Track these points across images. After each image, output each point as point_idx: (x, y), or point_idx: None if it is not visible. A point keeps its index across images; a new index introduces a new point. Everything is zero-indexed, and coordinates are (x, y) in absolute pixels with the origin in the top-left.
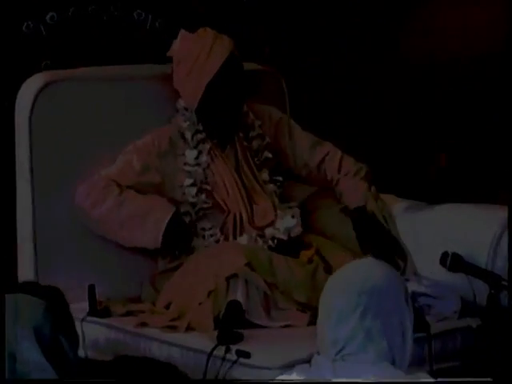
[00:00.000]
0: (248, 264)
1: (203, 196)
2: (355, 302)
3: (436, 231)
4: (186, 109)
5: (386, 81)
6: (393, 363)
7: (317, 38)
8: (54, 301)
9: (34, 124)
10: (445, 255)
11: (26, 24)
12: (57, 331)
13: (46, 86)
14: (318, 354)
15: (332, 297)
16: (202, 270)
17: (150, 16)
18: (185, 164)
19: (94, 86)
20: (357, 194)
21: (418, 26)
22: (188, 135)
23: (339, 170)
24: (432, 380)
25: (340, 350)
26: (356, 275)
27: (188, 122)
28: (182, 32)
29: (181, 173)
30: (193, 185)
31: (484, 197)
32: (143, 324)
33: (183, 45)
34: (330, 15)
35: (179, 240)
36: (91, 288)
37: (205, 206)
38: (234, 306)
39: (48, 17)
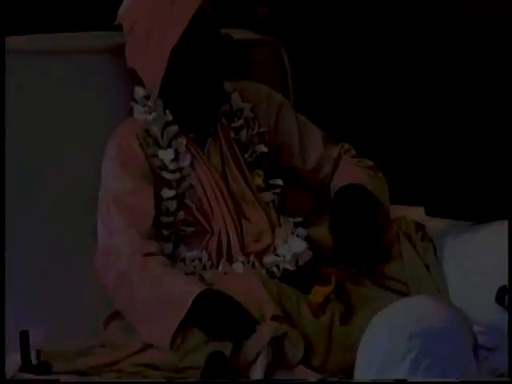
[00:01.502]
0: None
1: (182, 213)
2: (405, 347)
3: (488, 259)
4: (147, 97)
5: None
6: None
7: None
8: None
9: None
10: (502, 291)
11: None
12: None
13: None
14: None
15: (374, 341)
16: None
17: None
18: (160, 169)
19: (29, 60)
20: (361, 173)
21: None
22: (156, 131)
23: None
24: (435, 380)
25: None
26: (407, 313)
27: (154, 114)
28: None
29: (156, 180)
30: (173, 198)
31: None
32: None
33: (135, 5)
34: None
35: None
36: (24, 335)
37: (184, 228)
38: (216, 359)
39: None
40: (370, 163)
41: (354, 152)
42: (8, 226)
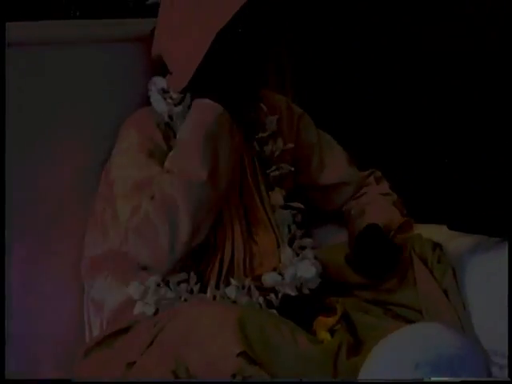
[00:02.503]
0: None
1: None
2: (411, 377)
3: None
4: (166, 90)
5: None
6: None
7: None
8: None
9: None
10: None
11: None
12: None
13: None
14: None
15: (377, 369)
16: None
17: None
18: None
19: (41, 51)
20: (387, 213)
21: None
22: (179, 126)
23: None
24: (437, 380)
25: None
26: (414, 341)
27: (180, 107)
28: None
29: None
30: None
31: None
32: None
33: None
34: None
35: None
36: None
37: None
38: None
39: None
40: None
41: (386, 183)
42: None
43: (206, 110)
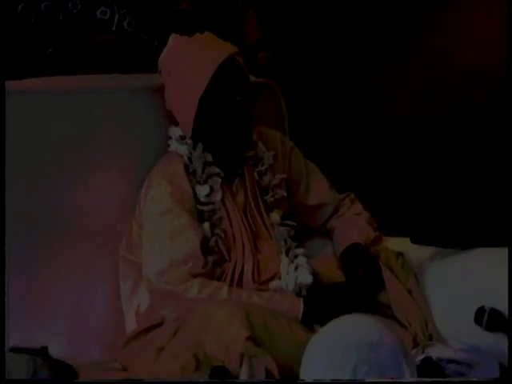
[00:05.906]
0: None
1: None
2: (342, 361)
3: (469, 283)
4: (183, 137)
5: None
6: None
7: (324, 40)
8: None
9: None
10: (481, 311)
11: None
12: None
13: None
14: None
15: (312, 362)
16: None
17: (117, 15)
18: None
19: (52, 100)
20: (364, 232)
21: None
22: (197, 167)
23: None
24: (434, 380)
25: None
26: (337, 332)
27: (198, 152)
28: (174, 36)
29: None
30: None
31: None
32: None
33: (174, 51)
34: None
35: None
36: (43, 352)
37: (210, 258)
38: (219, 373)
39: None
40: (368, 215)
41: (359, 204)
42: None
43: (289, 310)
